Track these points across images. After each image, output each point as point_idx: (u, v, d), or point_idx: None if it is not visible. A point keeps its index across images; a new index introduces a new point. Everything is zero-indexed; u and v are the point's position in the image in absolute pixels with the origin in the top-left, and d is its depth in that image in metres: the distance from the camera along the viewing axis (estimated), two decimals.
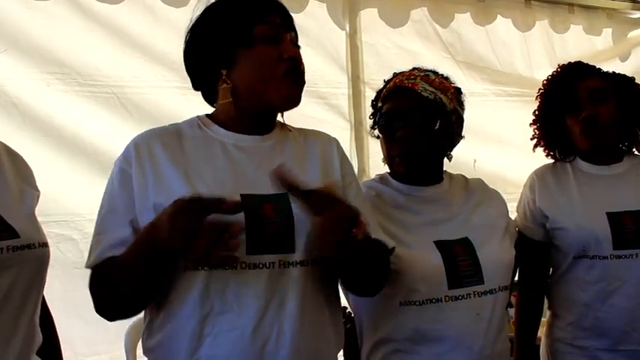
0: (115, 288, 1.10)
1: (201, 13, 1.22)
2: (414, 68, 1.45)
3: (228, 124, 1.21)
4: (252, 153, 1.19)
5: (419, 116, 1.36)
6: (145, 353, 1.18)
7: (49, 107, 2.09)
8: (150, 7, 2.24)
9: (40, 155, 2.03)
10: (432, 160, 1.43)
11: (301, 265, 1.11)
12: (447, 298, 1.29)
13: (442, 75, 1.45)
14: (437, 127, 1.37)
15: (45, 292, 1.22)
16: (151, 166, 1.14)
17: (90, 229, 1.18)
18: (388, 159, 1.43)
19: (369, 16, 2.70)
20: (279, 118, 1.26)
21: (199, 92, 1.27)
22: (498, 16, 2.99)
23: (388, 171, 1.47)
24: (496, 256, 1.37)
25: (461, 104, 1.45)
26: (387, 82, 1.47)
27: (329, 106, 2.63)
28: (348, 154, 1.36)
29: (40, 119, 2.07)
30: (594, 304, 1.59)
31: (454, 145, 1.47)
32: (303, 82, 1.20)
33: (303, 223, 1.10)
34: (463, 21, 2.92)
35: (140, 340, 1.21)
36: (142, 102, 2.23)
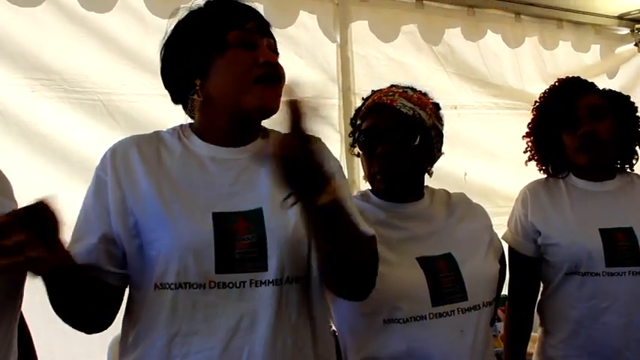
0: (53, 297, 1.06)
1: (175, 25, 1.20)
2: (392, 85, 1.45)
3: (206, 135, 1.18)
4: (229, 167, 1.15)
5: (398, 132, 1.36)
6: None
7: (34, 113, 2.06)
8: (138, 15, 2.22)
9: (24, 163, 1.99)
10: (412, 176, 1.42)
11: (274, 285, 1.07)
12: (431, 316, 1.27)
13: (420, 91, 1.45)
14: (416, 143, 1.36)
15: (25, 304, 1.18)
16: (127, 175, 1.11)
17: None
18: (369, 176, 1.43)
19: (360, 28, 2.70)
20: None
21: None
22: (488, 30, 3.01)
23: (370, 188, 1.46)
24: (480, 271, 1.36)
25: (440, 120, 1.45)
26: (365, 100, 1.46)
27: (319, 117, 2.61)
28: None
29: (24, 125, 2.04)
30: (586, 322, 1.57)
31: (434, 161, 1.46)
32: (282, 87, 1.15)
33: (277, 240, 1.07)
34: (453, 36, 2.93)
35: None
36: (128, 109, 2.20)
